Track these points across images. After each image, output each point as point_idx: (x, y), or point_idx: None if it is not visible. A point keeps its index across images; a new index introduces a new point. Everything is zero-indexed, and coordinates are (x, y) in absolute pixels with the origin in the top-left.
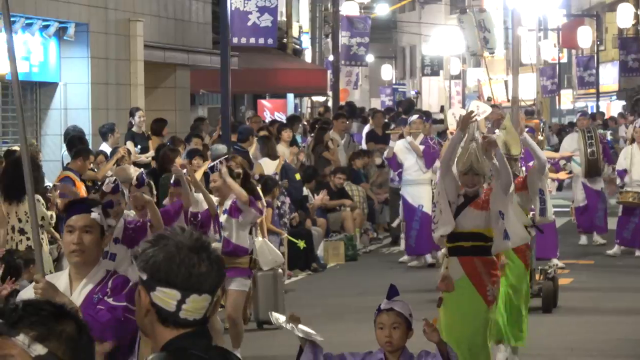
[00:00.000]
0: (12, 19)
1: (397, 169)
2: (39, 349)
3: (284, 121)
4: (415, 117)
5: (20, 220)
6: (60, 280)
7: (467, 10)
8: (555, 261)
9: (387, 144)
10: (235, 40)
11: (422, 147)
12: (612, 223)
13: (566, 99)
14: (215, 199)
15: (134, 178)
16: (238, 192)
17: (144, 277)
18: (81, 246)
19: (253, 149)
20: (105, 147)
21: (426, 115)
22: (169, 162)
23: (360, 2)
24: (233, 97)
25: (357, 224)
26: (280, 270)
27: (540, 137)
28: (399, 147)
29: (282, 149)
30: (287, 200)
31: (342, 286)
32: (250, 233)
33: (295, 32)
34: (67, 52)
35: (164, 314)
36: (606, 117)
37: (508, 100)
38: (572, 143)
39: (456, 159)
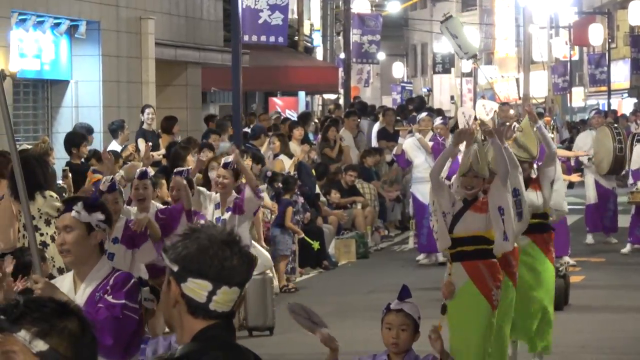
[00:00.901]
0: (23, 17)
1: (406, 165)
2: (40, 345)
3: (295, 119)
4: (424, 114)
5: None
6: (65, 282)
7: (441, 23)
8: (566, 259)
9: (398, 141)
10: (246, 38)
11: (431, 144)
12: (624, 221)
13: (577, 97)
14: (213, 194)
15: (103, 182)
16: (249, 176)
17: (175, 268)
18: (65, 246)
19: (265, 146)
20: (115, 145)
21: (438, 113)
22: (181, 160)
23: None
24: (244, 95)
25: (368, 222)
26: (269, 274)
27: (551, 135)
28: (409, 144)
29: (293, 147)
30: (301, 199)
31: (353, 284)
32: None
33: (306, 30)
34: (78, 50)
35: (194, 305)
36: (618, 114)
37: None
38: (586, 141)
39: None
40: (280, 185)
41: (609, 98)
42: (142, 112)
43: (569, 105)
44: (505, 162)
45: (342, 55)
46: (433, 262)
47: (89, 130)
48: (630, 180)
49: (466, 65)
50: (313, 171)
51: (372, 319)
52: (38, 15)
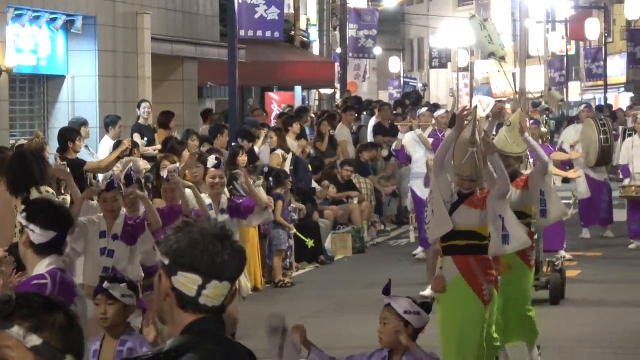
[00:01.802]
0: (19, 12)
1: (406, 161)
2: (34, 340)
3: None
4: (424, 110)
5: None
6: None
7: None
8: (562, 253)
9: (395, 136)
10: (242, 33)
11: (431, 140)
12: (621, 216)
13: (574, 92)
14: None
15: (102, 180)
16: (258, 198)
17: (166, 261)
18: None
19: (261, 141)
20: (107, 140)
21: (435, 107)
22: (177, 155)
23: None
24: (241, 90)
25: (364, 217)
26: (242, 277)
27: (544, 129)
28: (408, 139)
29: (289, 141)
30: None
31: (349, 279)
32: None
33: (303, 25)
34: (74, 45)
35: (184, 299)
36: (614, 109)
37: (516, 93)
38: (574, 134)
39: (453, 157)
40: (271, 179)
41: (605, 93)
42: (139, 107)
43: (565, 100)
44: (506, 181)
45: (339, 50)
46: None
47: (84, 123)
48: (621, 175)
49: (463, 60)
50: (309, 166)
51: (369, 313)
52: (34, 11)
